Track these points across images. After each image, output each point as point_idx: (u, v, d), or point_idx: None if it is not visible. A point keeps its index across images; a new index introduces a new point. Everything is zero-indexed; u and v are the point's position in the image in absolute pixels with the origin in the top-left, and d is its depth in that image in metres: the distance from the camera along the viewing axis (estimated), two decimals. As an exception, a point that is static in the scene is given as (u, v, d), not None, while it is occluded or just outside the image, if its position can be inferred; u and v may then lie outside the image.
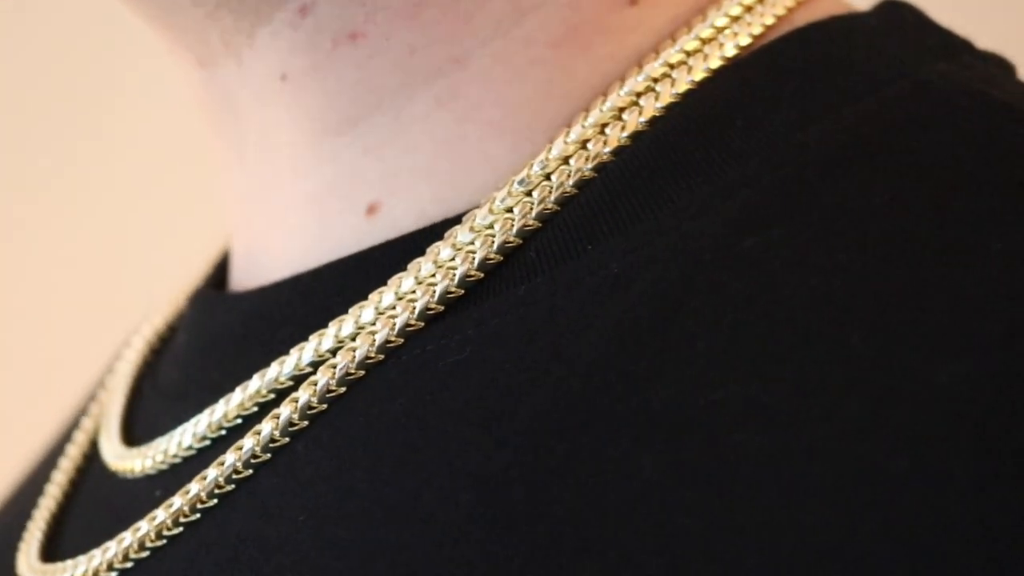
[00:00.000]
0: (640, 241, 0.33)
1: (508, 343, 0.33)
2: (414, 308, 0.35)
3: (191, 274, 0.46)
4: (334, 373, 0.35)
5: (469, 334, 0.34)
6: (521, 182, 0.35)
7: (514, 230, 0.34)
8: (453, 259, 0.35)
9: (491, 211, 0.35)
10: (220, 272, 0.44)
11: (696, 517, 0.28)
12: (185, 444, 0.38)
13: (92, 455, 0.44)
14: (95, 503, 0.42)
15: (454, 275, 0.35)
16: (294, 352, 0.36)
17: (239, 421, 0.37)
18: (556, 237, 0.34)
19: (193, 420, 0.38)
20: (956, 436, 0.27)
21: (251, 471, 0.35)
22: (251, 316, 0.39)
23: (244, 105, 0.38)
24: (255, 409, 0.36)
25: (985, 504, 0.26)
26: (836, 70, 0.35)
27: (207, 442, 0.37)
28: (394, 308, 0.35)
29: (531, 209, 0.34)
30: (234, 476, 0.35)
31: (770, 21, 0.36)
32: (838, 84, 0.34)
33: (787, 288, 0.30)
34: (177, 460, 0.38)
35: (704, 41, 0.35)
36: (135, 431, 0.42)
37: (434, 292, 0.35)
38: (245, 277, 0.41)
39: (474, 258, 0.34)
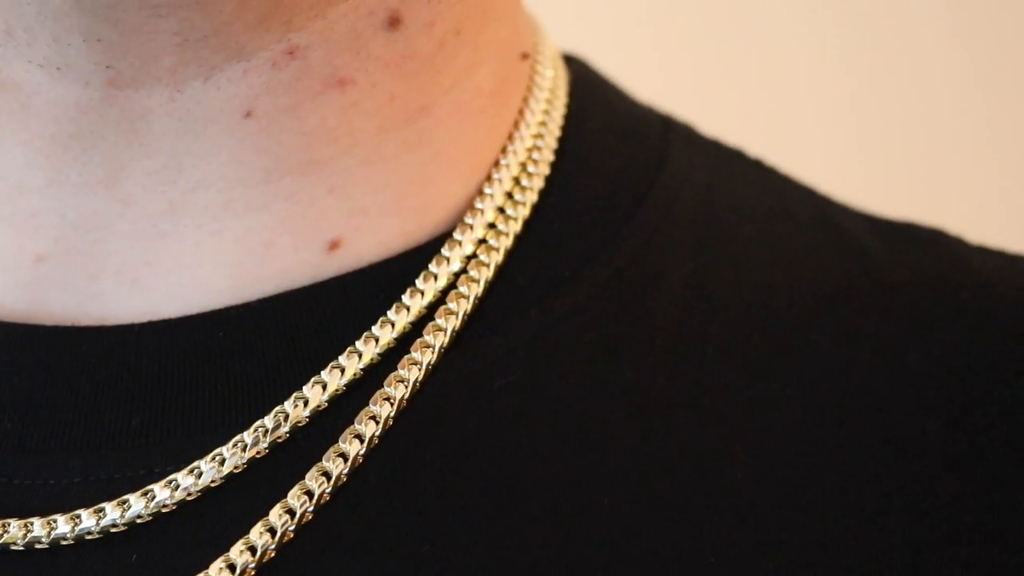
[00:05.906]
0: (614, 268, 0.39)
1: (557, 364, 0.37)
2: (445, 331, 0.37)
3: None
4: (391, 402, 0.36)
5: (500, 356, 0.37)
6: (485, 215, 0.39)
7: (500, 256, 0.38)
8: (453, 284, 0.38)
9: (471, 242, 0.38)
10: None
11: (808, 481, 0.36)
12: (158, 501, 0.35)
13: None
14: None
15: (468, 299, 0.37)
16: (311, 388, 0.36)
17: (237, 470, 0.36)
18: (533, 266, 0.39)
19: (192, 468, 0.36)
20: (941, 400, 0.37)
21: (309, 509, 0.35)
22: (168, 351, 0.37)
23: (156, 133, 0.36)
24: (267, 452, 0.36)
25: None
26: (628, 116, 0.44)
27: (188, 495, 0.36)
28: (414, 330, 0.37)
29: (508, 236, 0.39)
30: (303, 520, 0.35)
31: (564, 74, 0.43)
32: (642, 123, 0.43)
33: (736, 303, 0.39)
34: (144, 518, 0.36)
35: (552, 91, 0.42)
36: None
37: (456, 316, 0.37)
38: (74, 309, 0.38)
39: (479, 282, 0.38)
